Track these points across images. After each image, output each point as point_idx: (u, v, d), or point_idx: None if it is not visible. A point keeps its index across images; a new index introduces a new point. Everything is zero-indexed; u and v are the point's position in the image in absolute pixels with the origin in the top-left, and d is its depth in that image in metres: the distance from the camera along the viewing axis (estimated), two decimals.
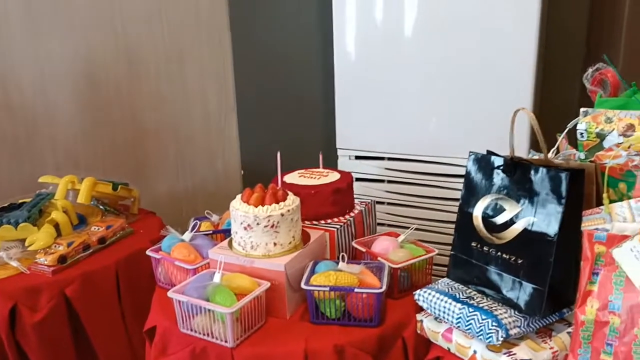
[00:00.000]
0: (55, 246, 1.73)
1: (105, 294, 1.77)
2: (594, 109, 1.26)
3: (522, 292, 1.16)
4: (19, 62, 2.47)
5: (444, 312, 1.23)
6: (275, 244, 1.39)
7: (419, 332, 1.32)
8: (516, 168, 1.18)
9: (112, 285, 1.78)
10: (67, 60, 2.54)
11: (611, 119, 1.21)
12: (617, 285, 0.98)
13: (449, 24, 1.99)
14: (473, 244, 1.25)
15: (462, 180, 1.30)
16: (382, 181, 2.23)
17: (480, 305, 1.19)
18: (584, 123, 1.25)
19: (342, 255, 1.41)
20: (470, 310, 1.18)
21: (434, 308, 1.25)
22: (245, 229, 1.38)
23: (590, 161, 1.18)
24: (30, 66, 2.50)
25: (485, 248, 1.23)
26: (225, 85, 2.82)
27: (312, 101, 2.69)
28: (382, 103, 2.15)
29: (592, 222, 1.09)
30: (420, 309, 1.32)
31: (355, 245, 1.57)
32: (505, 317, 1.15)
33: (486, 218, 1.23)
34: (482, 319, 1.15)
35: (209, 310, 1.29)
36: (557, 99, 2.27)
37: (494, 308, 1.18)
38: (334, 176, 1.68)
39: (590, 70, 1.40)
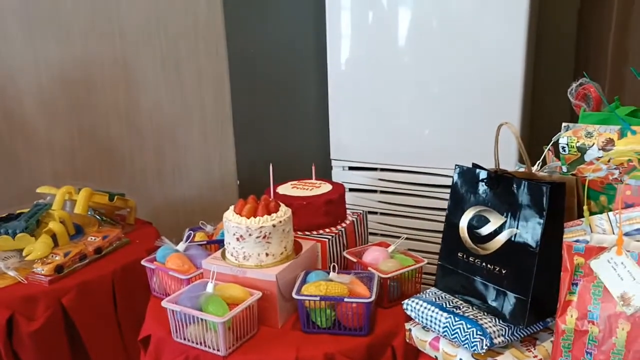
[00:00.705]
0: (52, 256, 1.76)
1: (101, 304, 1.79)
2: (575, 124, 1.30)
3: (506, 302, 1.19)
4: (17, 69, 2.51)
5: (431, 321, 1.25)
6: (267, 254, 1.42)
7: (407, 340, 1.35)
8: (500, 181, 1.22)
9: (108, 295, 1.81)
10: (64, 68, 2.57)
11: (591, 133, 1.24)
12: (595, 296, 1.01)
13: (440, 36, 2.03)
14: (459, 254, 1.28)
15: None
16: (374, 191, 2.27)
17: (466, 314, 1.22)
18: (566, 137, 1.28)
19: (333, 266, 1.44)
20: (456, 319, 1.21)
21: (422, 317, 1.28)
22: (237, 239, 1.42)
23: (572, 174, 1.22)
24: (28, 73, 2.53)
25: (470, 258, 1.26)
26: (221, 95, 2.86)
27: (306, 113, 2.73)
28: (375, 114, 2.19)
29: (573, 233, 1.12)
30: (409, 318, 1.35)
31: (347, 256, 1.60)
32: (490, 327, 1.18)
33: (471, 229, 1.26)
34: (468, 328, 1.18)
35: (202, 319, 1.32)
36: (548, 111, 2.31)
37: (479, 317, 1.21)
38: (326, 187, 1.71)
39: (574, 85, 1.44)
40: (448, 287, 1.33)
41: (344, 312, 1.36)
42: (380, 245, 1.62)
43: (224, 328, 1.28)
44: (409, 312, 1.32)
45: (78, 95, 2.63)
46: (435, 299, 1.31)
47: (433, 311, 1.26)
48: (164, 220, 2.51)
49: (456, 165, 1.32)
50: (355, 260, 1.56)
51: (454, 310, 1.24)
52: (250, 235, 1.40)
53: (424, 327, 1.30)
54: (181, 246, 1.62)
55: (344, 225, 1.67)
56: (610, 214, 1.07)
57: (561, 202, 1.15)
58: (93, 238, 1.90)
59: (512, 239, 1.18)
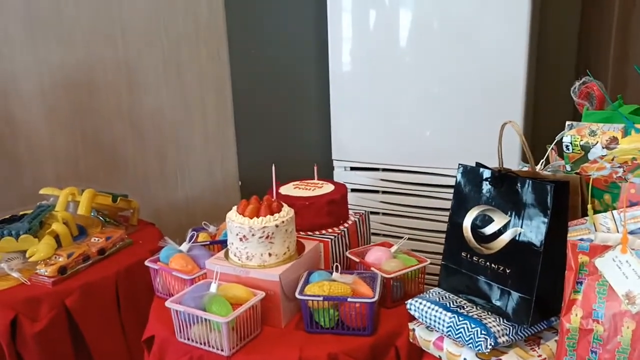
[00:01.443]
0: (55, 257, 1.76)
1: (104, 305, 1.79)
2: (579, 122, 1.30)
3: (511, 301, 1.19)
4: (19, 72, 2.51)
5: (435, 321, 1.25)
6: (270, 254, 1.42)
7: (411, 340, 1.35)
8: (503, 180, 1.21)
9: (112, 296, 1.81)
10: (67, 72, 2.58)
11: (595, 132, 1.24)
12: (600, 294, 1.01)
13: (442, 37, 2.03)
14: (463, 254, 1.28)
15: None
16: (376, 192, 2.27)
17: (470, 314, 1.22)
18: (569, 136, 1.28)
19: (336, 266, 1.44)
20: (460, 319, 1.21)
21: (425, 317, 1.28)
22: (240, 240, 1.42)
23: (576, 173, 1.22)
24: (30, 76, 2.53)
25: (474, 258, 1.26)
26: (223, 97, 2.87)
27: (308, 114, 2.73)
28: (377, 115, 2.19)
29: (577, 232, 1.12)
30: (413, 318, 1.35)
31: (349, 256, 1.60)
32: (494, 326, 1.17)
33: (475, 229, 1.26)
34: (472, 328, 1.18)
35: (206, 319, 1.32)
36: (551, 110, 2.31)
37: (484, 317, 1.21)
38: (328, 187, 1.71)
39: (577, 83, 1.44)
40: (452, 286, 1.33)
41: (347, 312, 1.35)
42: (383, 245, 1.62)
43: (227, 328, 1.28)
44: (412, 312, 1.32)
45: (81, 98, 2.63)
46: (439, 298, 1.31)
47: (437, 311, 1.26)
48: (166, 221, 2.51)
49: (459, 164, 1.31)
50: (358, 260, 1.56)
51: (458, 309, 1.24)
52: (253, 235, 1.40)
53: (427, 327, 1.30)
54: (184, 246, 1.62)
55: (346, 225, 1.67)
56: (615, 212, 1.07)
57: (565, 200, 1.15)
58: (96, 239, 1.90)
59: (516, 238, 1.17)
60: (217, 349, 1.32)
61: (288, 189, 1.72)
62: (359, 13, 2.14)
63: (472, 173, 1.29)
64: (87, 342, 1.75)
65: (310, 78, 2.66)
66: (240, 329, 1.33)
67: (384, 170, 2.23)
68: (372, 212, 2.12)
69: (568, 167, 1.30)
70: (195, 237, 1.70)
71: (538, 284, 1.13)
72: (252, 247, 1.41)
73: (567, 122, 1.30)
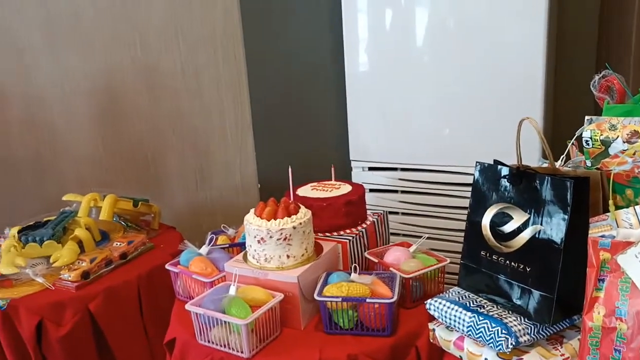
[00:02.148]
0: (78, 262, 1.79)
1: (127, 308, 1.82)
2: (598, 117, 1.27)
3: (532, 300, 1.17)
4: (41, 79, 2.56)
5: (455, 321, 1.24)
6: (288, 256, 1.42)
7: (431, 340, 1.34)
8: (522, 177, 1.20)
9: (134, 299, 1.83)
10: (87, 77, 2.63)
11: (615, 126, 1.22)
12: (622, 292, 0.98)
13: (459, 35, 2.01)
14: (482, 252, 1.27)
15: None
16: (395, 191, 2.26)
17: (490, 313, 1.20)
18: (589, 131, 1.26)
19: (354, 266, 1.43)
20: (480, 318, 1.19)
21: (445, 317, 1.27)
22: (258, 242, 1.42)
23: (597, 168, 1.19)
24: (51, 83, 2.58)
25: (494, 257, 1.24)
26: (241, 100, 2.88)
27: (325, 115, 2.73)
28: (394, 115, 2.18)
29: (598, 228, 1.10)
30: (433, 318, 1.34)
31: (368, 256, 1.59)
32: (515, 325, 1.16)
33: (494, 227, 1.24)
34: (492, 327, 1.16)
35: (225, 322, 1.32)
36: (571, 107, 2.27)
37: (504, 316, 1.19)
38: (345, 188, 1.71)
39: (596, 77, 1.41)
40: (471, 286, 1.31)
41: (366, 313, 1.35)
42: (401, 245, 1.61)
43: (247, 330, 1.29)
44: (432, 312, 1.31)
45: (102, 104, 2.68)
46: (459, 298, 1.29)
47: (457, 310, 1.24)
48: (187, 225, 2.53)
49: (477, 162, 1.30)
50: (376, 260, 1.56)
51: (478, 309, 1.23)
52: (271, 237, 1.41)
53: (447, 327, 1.29)
54: (204, 250, 1.63)
55: (364, 225, 1.66)
56: (637, 207, 1.05)
57: (586, 196, 1.13)
58: (118, 244, 1.93)
59: (536, 235, 1.16)
60: (237, 351, 1.32)
61: (306, 191, 1.73)
62: (374, 13, 2.13)
63: (489, 171, 1.27)
64: (110, 346, 1.78)
65: (327, 79, 2.66)
66: (259, 331, 1.34)
67: (402, 169, 2.22)
68: (391, 212, 2.12)
69: (588, 163, 1.27)
70: (214, 239, 1.71)
71: (559, 282, 1.11)
72: (270, 249, 1.42)
73: (587, 117, 1.28)
